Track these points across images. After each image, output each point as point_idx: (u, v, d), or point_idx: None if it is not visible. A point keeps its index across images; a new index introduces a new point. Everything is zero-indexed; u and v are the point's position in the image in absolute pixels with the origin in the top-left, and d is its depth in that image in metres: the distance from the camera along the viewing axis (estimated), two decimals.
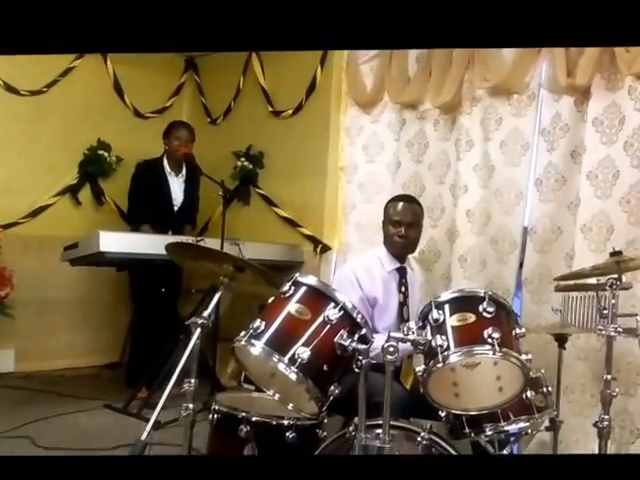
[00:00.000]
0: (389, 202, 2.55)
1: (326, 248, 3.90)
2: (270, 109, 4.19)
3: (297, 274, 1.82)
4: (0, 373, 3.90)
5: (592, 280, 2.28)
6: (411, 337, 1.68)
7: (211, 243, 3.25)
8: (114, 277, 4.10)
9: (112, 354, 4.35)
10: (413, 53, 3.50)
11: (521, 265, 3.03)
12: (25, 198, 4.00)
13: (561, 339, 2.39)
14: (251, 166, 4.26)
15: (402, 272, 2.49)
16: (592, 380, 2.71)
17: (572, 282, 2.39)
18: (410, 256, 2.60)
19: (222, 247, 3.27)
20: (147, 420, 1.98)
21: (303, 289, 1.77)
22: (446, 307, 1.75)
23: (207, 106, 4.64)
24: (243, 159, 4.28)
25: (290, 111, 4.07)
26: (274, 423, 1.89)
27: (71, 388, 3.68)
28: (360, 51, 3.73)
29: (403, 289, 2.46)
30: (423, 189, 3.44)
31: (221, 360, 3.66)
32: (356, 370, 1.68)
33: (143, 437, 1.81)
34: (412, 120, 3.50)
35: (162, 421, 2.22)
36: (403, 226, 2.44)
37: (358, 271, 2.41)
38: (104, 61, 4.32)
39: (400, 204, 2.50)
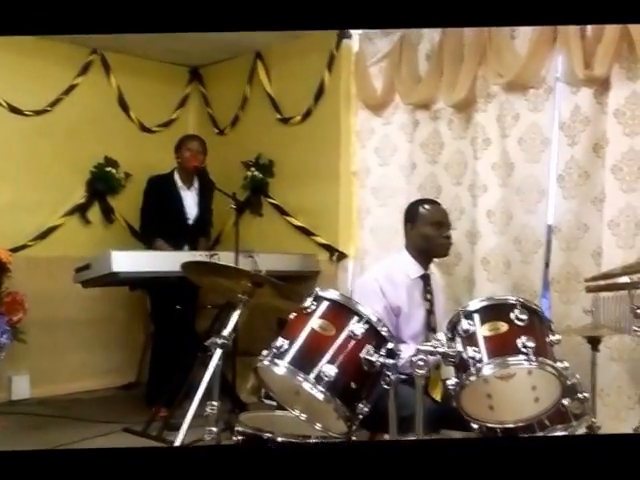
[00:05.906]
0: (420, 204, 2.45)
1: (342, 256, 3.82)
2: (278, 116, 4.13)
3: (317, 289, 1.78)
4: (16, 400, 3.83)
5: (624, 279, 2.18)
6: (441, 350, 1.62)
7: (225, 256, 3.20)
8: (128, 295, 4.04)
9: (128, 374, 4.26)
10: (423, 51, 3.41)
11: (547, 265, 2.93)
12: (33, 219, 3.94)
13: (594, 341, 2.30)
14: (261, 175, 4.20)
15: (426, 279, 2.41)
16: (629, 381, 2.62)
17: (603, 282, 2.30)
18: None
19: (237, 261, 3.20)
20: (168, 442, 1.92)
21: (325, 304, 1.74)
22: (476, 317, 1.70)
23: (214, 116, 4.59)
24: (253, 169, 4.22)
25: (299, 117, 4.01)
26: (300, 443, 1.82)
27: (88, 412, 3.59)
28: (368, 53, 3.66)
29: (428, 296, 2.38)
30: (440, 190, 3.35)
31: (240, 375, 3.59)
32: (385, 387, 1.62)
33: None
34: (425, 120, 3.42)
35: (185, 443, 2.15)
36: (445, 227, 2.41)
37: (381, 279, 2.33)
38: (107, 76, 4.26)
39: (436, 206, 2.46)
